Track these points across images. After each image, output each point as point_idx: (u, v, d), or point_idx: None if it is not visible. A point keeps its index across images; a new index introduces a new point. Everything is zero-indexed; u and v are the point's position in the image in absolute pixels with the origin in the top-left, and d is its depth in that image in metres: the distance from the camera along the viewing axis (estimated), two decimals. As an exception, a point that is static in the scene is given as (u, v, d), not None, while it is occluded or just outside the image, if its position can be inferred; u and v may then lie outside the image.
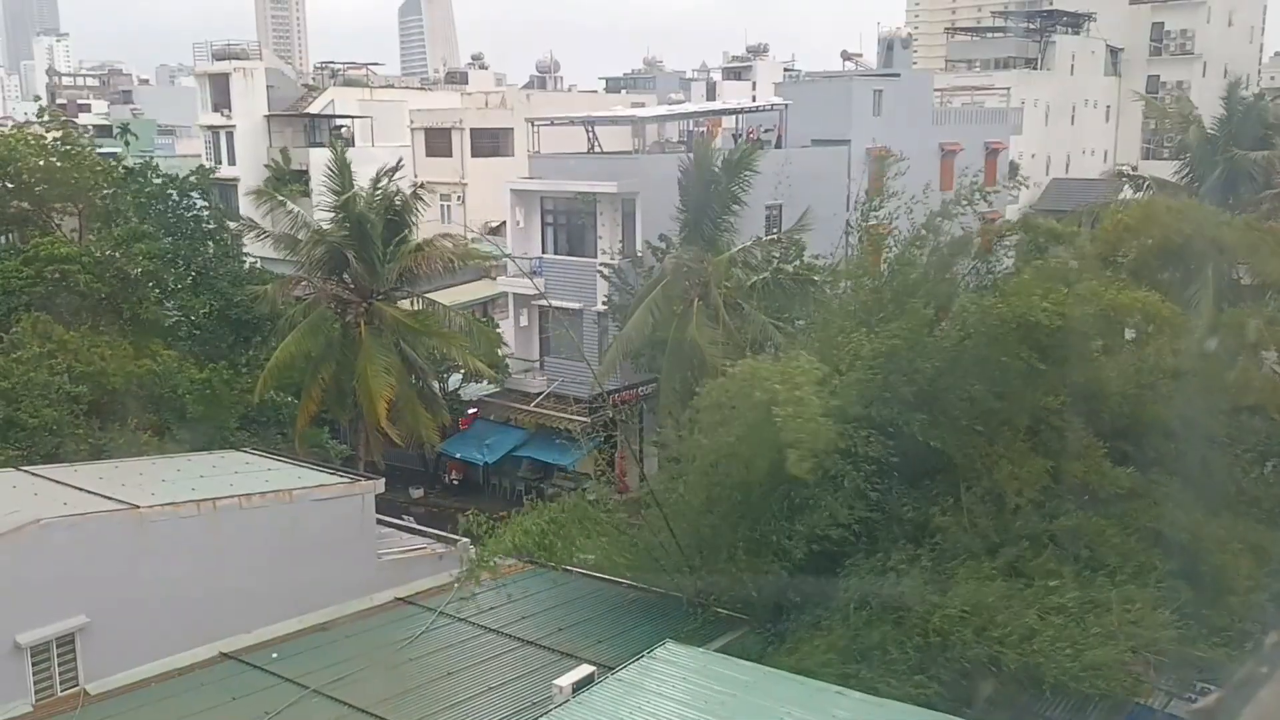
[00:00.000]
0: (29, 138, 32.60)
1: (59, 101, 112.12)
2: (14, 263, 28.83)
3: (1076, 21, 73.83)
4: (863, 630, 14.39)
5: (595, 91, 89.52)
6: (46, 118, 38.30)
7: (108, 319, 29.04)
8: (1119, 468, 16.29)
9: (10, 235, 33.23)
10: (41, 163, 31.45)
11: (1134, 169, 62.88)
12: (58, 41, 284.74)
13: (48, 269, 28.03)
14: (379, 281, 31.78)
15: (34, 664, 13.74)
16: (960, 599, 13.93)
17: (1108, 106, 73.38)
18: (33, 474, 17.22)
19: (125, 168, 34.05)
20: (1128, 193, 39.20)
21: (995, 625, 13.59)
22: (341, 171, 31.75)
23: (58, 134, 33.62)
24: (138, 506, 15.03)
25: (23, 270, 28.27)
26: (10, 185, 31.68)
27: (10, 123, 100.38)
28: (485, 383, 36.59)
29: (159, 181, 34.46)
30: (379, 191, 32.25)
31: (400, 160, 35.59)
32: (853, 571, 15.28)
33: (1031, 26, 73.00)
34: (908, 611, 14.19)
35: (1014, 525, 15.49)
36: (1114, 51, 73.69)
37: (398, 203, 32.41)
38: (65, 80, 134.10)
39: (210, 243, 34.33)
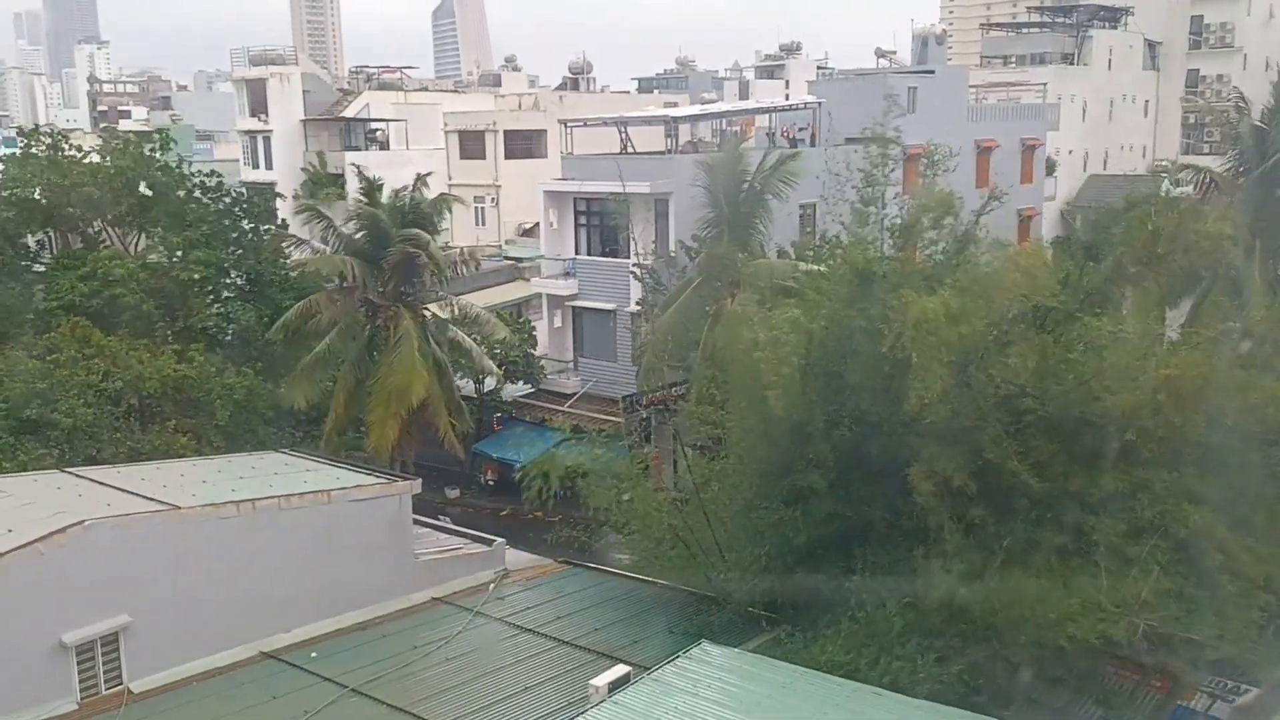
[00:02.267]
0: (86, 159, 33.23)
1: (100, 108, 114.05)
2: (70, 278, 29.28)
3: (1114, 16, 72.92)
4: (882, 624, 14.63)
5: (628, 92, 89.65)
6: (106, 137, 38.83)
7: (161, 328, 29.64)
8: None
9: (57, 237, 33.83)
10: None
11: (1173, 164, 62.10)
12: (98, 49, 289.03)
13: (106, 290, 28.58)
14: (405, 286, 31.96)
15: (79, 663, 13.95)
16: (959, 581, 14.13)
17: (1146, 101, 72.41)
18: (76, 475, 17.48)
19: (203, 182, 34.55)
20: (1168, 188, 38.62)
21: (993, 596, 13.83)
22: (369, 191, 32.27)
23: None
24: (179, 507, 15.21)
25: (79, 286, 28.77)
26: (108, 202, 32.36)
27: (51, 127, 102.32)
28: (521, 383, 36.75)
29: (228, 200, 34.95)
30: (400, 201, 32.39)
31: (429, 173, 35.65)
32: (872, 569, 15.43)
33: (1068, 21, 72.21)
34: (920, 601, 14.39)
35: (1015, 528, 15.37)
36: (1152, 46, 72.71)
37: (420, 209, 32.45)
38: (106, 87, 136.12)
39: (263, 254, 34.81)
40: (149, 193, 33.73)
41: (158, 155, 34.67)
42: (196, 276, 30.60)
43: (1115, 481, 14.97)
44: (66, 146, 34.38)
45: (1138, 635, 13.53)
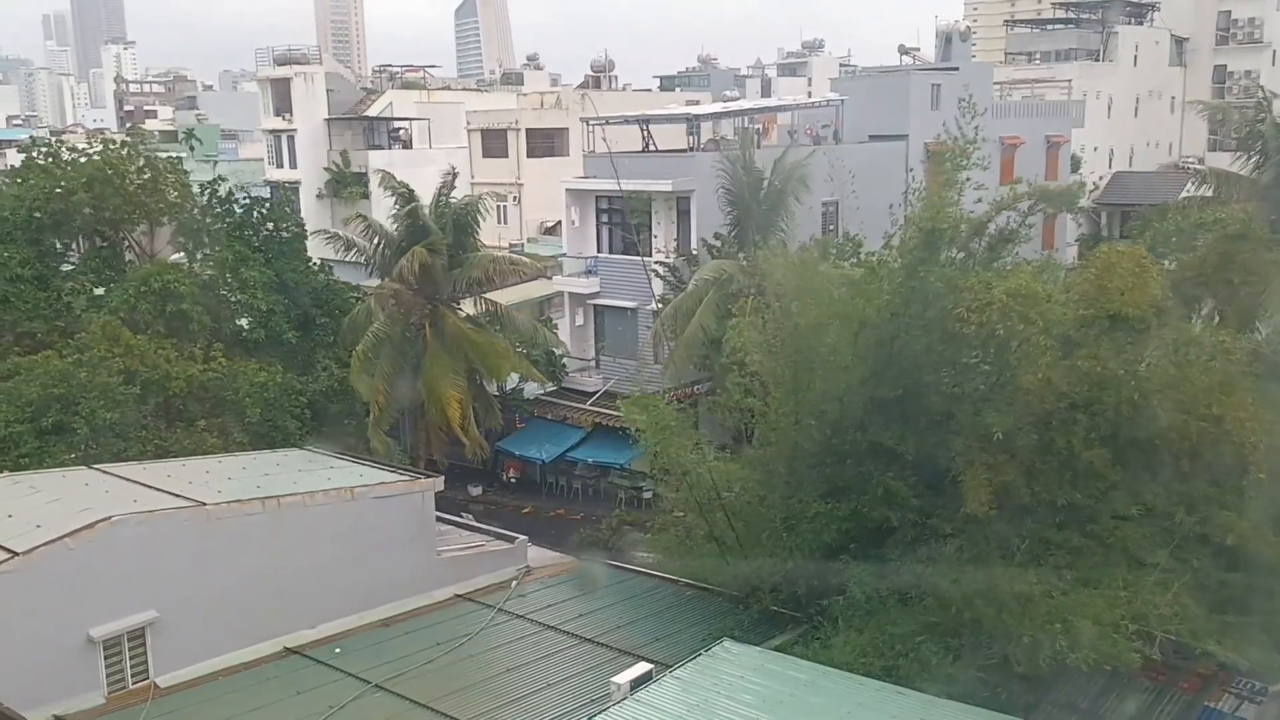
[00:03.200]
0: (114, 161, 33.14)
1: (126, 108, 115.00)
2: (122, 293, 29.29)
3: (1140, 11, 72.34)
4: (896, 622, 14.60)
5: (650, 90, 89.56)
6: (127, 141, 38.24)
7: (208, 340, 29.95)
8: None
9: (80, 243, 34.02)
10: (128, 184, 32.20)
11: (1200, 161, 61.51)
12: (125, 49, 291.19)
13: (170, 304, 28.78)
14: (446, 285, 32.22)
15: (106, 657, 14.10)
16: (976, 583, 14.09)
17: (1173, 98, 71.80)
18: (103, 472, 17.64)
19: (211, 191, 34.50)
20: (1191, 188, 38.33)
21: (1002, 601, 13.75)
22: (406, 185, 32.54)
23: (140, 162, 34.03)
24: (205, 504, 15.33)
25: (136, 303, 28.79)
26: (94, 205, 32.27)
27: (80, 129, 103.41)
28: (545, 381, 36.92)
29: (242, 208, 34.94)
30: (444, 200, 32.70)
31: (456, 173, 35.97)
32: (886, 568, 15.42)
33: (1093, 18, 71.66)
34: (943, 601, 14.31)
35: (1037, 531, 15.23)
36: (1179, 41, 72.07)
37: (464, 211, 32.79)
38: (132, 87, 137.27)
39: (295, 260, 34.91)
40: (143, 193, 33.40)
41: (135, 153, 34.20)
42: (259, 299, 30.75)
43: (1158, 496, 14.85)
44: (65, 153, 34.43)
45: (1154, 650, 13.39)
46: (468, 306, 33.97)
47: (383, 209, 35.86)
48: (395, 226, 32.87)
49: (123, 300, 28.69)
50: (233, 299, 31.11)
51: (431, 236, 31.88)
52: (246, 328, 31.10)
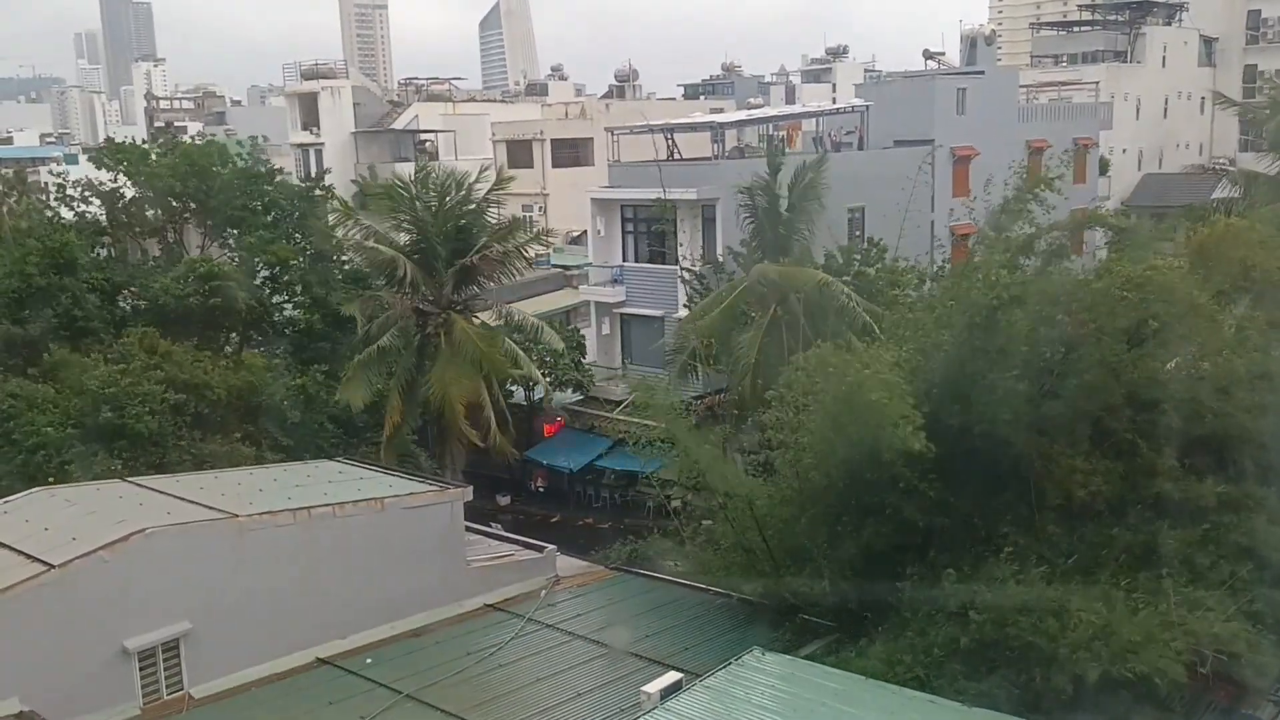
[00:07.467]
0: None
1: (157, 124, 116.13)
2: (166, 280, 30.28)
3: (1168, 12, 71.78)
4: (931, 633, 14.43)
5: (674, 99, 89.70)
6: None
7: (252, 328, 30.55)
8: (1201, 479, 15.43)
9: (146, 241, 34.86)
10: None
11: (1230, 162, 60.87)
12: (155, 66, 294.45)
13: (206, 286, 29.72)
14: (457, 292, 32.11)
15: (141, 668, 14.21)
16: (1017, 598, 13.94)
17: (1202, 98, 71.15)
18: (137, 485, 17.82)
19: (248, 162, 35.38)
20: (1224, 188, 38.00)
21: (1034, 614, 13.60)
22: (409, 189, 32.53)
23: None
24: (237, 515, 15.46)
25: (172, 289, 29.57)
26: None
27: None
28: (570, 390, 36.89)
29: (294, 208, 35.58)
30: (448, 205, 32.60)
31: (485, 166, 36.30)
32: (925, 578, 15.24)
33: (1120, 19, 71.16)
34: (972, 614, 14.17)
35: (1088, 535, 15.03)
36: (1208, 42, 71.42)
37: (469, 213, 32.57)
38: (162, 103, 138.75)
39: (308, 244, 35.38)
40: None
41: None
42: (269, 276, 31.29)
43: (1206, 495, 14.71)
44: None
45: (1206, 666, 13.24)
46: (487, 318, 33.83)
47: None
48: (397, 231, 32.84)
49: (172, 283, 29.32)
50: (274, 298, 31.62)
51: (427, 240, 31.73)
52: (299, 317, 31.46)
